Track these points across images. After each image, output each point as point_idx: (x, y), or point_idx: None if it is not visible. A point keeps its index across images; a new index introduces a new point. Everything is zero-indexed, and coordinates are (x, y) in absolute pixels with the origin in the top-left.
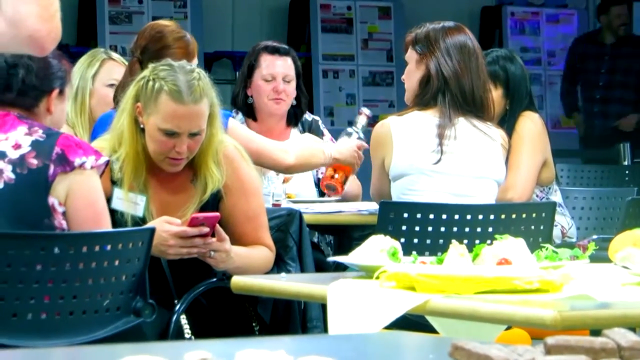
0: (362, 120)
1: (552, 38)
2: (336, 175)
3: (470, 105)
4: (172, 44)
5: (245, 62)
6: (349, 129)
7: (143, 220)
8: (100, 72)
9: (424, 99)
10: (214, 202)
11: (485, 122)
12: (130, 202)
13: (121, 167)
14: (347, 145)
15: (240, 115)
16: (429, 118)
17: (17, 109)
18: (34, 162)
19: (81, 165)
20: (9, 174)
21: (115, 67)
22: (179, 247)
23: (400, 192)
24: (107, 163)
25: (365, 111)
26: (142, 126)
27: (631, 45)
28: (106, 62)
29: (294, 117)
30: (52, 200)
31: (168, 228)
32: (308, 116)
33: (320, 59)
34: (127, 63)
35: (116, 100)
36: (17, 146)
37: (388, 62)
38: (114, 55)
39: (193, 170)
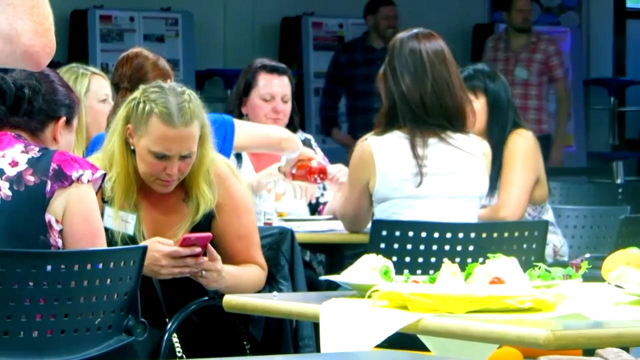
0: None
1: None
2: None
3: (439, 117)
4: (151, 70)
5: (241, 80)
6: None
7: (133, 240)
8: (92, 88)
9: (391, 120)
10: (206, 220)
11: (462, 132)
12: (121, 221)
13: (112, 188)
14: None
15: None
16: (406, 138)
17: (22, 131)
18: (31, 179)
19: (78, 179)
20: (6, 191)
21: (102, 82)
22: (171, 267)
23: (384, 216)
24: (104, 177)
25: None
26: (132, 147)
27: None
28: (94, 78)
29: None
30: (49, 217)
31: (160, 248)
32: (300, 134)
33: (312, 76)
34: (107, 77)
35: (109, 126)
36: (14, 163)
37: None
38: (95, 69)
39: (185, 189)
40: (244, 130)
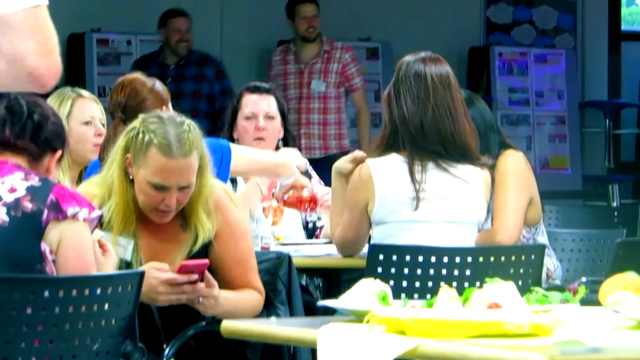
0: None
1: (540, 78)
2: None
3: (436, 143)
4: (148, 96)
5: (229, 106)
6: None
7: (130, 267)
8: (74, 111)
9: (390, 143)
10: (203, 246)
11: (461, 160)
12: (118, 246)
13: (111, 217)
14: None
15: None
16: (404, 162)
17: (25, 156)
18: (28, 205)
19: (74, 216)
20: (2, 216)
21: (87, 104)
22: (169, 294)
23: (381, 238)
24: (100, 217)
25: None
26: (131, 177)
27: (195, 64)
28: (77, 100)
29: None
30: (45, 246)
31: (157, 275)
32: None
33: None
34: (97, 100)
35: (101, 158)
36: (12, 190)
37: (376, 103)
38: (83, 92)
39: (183, 217)
40: (240, 155)
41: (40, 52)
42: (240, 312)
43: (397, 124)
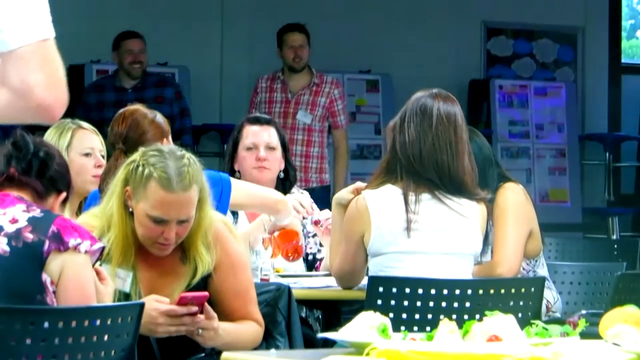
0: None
1: (540, 111)
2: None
3: (432, 172)
4: (148, 129)
5: (230, 138)
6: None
7: (128, 299)
8: (74, 142)
9: (389, 172)
10: (203, 278)
11: (457, 194)
12: (117, 278)
13: (110, 249)
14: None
15: None
16: (400, 193)
17: (29, 192)
18: (29, 236)
19: (75, 247)
20: (3, 246)
21: (87, 136)
22: (168, 326)
23: (377, 270)
24: (102, 250)
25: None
26: (131, 210)
27: (154, 86)
28: (77, 132)
29: (282, 190)
30: (46, 277)
31: (157, 306)
32: (297, 190)
33: None
34: (97, 131)
35: (101, 189)
36: (14, 220)
37: (376, 135)
38: (83, 124)
39: (182, 249)
40: (240, 189)
41: (48, 85)
42: (239, 344)
43: (397, 149)
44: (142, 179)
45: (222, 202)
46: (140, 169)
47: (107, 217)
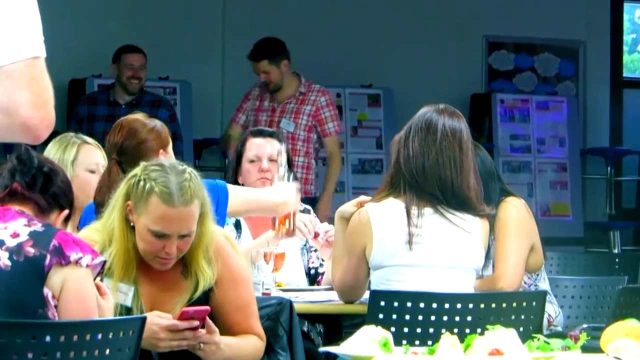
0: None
1: (541, 125)
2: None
3: (434, 186)
4: (147, 137)
5: (234, 151)
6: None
7: (129, 313)
8: (79, 157)
9: (392, 186)
10: (204, 293)
11: (459, 209)
12: (119, 292)
13: (111, 264)
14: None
15: None
16: (403, 207)
17: (31, 206)
18: (31, 250)
19: (77, 262)
20: (5, 260)
21: (92, 151)
22: (170, 340)
23: (379, 283)
24: (103, 264)
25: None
26: (132, 224)
27: (149, 105)
28: (83, 147)
29: None
30: (47, 291)
31: (159, 321)
32: (300, 205)
33: None
34: (100, 146)
35: (96, 201)
36: (15, 235)
37: (377, 150)
38: (87, 139)
39: (184, 264)
40: (237, 195)
41: (35, 104)
42: (241, 358)
43: (401, 163)
44: (143, 193)
45: (220, 209)
46: (142, 183)
47: (109, 231)
